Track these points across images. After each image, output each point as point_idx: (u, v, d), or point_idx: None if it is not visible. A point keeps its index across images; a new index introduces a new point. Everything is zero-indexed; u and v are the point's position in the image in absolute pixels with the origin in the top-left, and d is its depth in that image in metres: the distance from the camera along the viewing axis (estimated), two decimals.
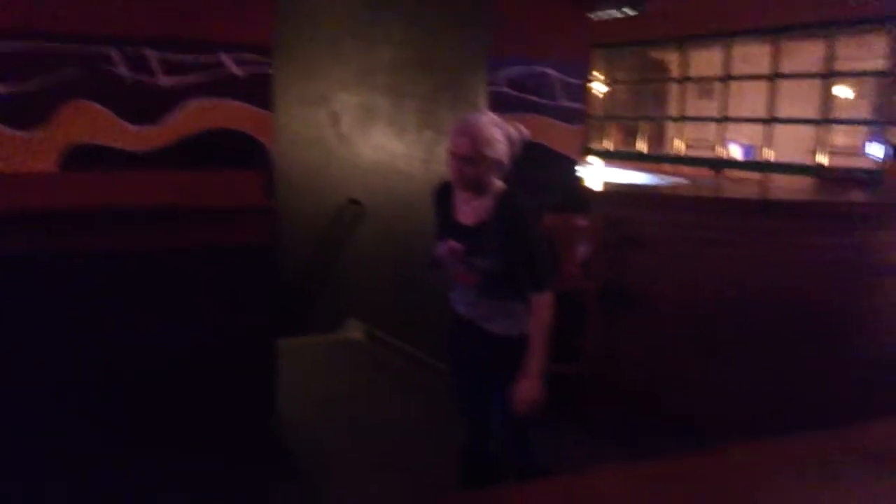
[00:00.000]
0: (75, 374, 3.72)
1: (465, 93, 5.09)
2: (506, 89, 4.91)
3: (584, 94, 5.24)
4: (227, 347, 3.97)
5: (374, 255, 6.01)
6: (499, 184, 2.91)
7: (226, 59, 3.91)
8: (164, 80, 3.77)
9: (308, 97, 6.52)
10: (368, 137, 6.06)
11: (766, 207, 4.86)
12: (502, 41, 4.91)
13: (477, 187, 2.87)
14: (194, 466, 3.72)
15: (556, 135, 4.93)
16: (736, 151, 11.28)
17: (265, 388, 4.12)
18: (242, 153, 3.97)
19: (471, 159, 2.80)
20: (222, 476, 3.76)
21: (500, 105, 4.91)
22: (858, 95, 14.11)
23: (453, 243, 2.88)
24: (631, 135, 11.74)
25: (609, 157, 9.55)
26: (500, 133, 2.85)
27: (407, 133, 5.64)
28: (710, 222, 4.66)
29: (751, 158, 10.32)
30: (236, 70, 3.93)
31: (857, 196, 5.40)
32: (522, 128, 2.95)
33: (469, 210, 2.93)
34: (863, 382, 4.43)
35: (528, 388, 2.84)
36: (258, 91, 3.99)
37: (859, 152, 12.42)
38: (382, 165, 5.89)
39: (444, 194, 3.04)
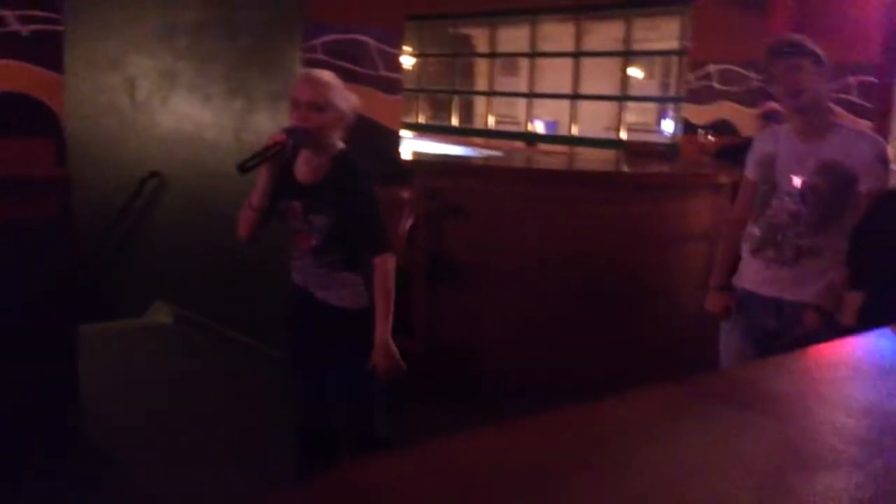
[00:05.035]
0: None
1: (278, 59, 4.84)
2: (322, 56, 4.72)
3: (400, 64, 5.15)
4: (21, 332, 3.57)
5: (181, 233, 5.63)
6: (338, 144, 2.84)
7: (8, 14, 3.49)
8: None
9: (99, 60, 6.00)
10: (169, 105, 5.65)
11: (579, 178, 4.99)
12: (318, 5, 4.71)
13: (319, 141, 2.77)
14: None
15: (377, 105, 4.80)
16: (539, 127, 11.60)
17: (66, 377, 3.76)
18: (30, 119, 3.57)
19: (317, 106, 2.72)
20: (23, 471, 3.39)
21: None
22: (647, 76, 15.02)
23: (291, 203, 2.80)
24: (439, 108, 11.82)
25: (421, 129, 9.54)
26: (342, 88, 2.83)
27: (213, 100, 5.30)
28: (527, 192, 4.72)
29: (552, 133, 10.68)
30: (20, 27, 3.52)
31: (659, 167, 5.66)
32: (353, 96, 2.88)
33: (308, 170, 2.83)
34: (666, 340, 4.68)
35: (382, 355, 2.79)
36: (46, 51, 3.59)
37: (649, 128, 13.23)
38: (187, 135, 5.51)
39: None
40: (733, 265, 3.07)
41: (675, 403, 1.28)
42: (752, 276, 2.96)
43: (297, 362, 3.06)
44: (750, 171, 3.03)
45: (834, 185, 2.76)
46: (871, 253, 2.53)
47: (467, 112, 11.98)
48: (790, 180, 2.82)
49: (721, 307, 3.09)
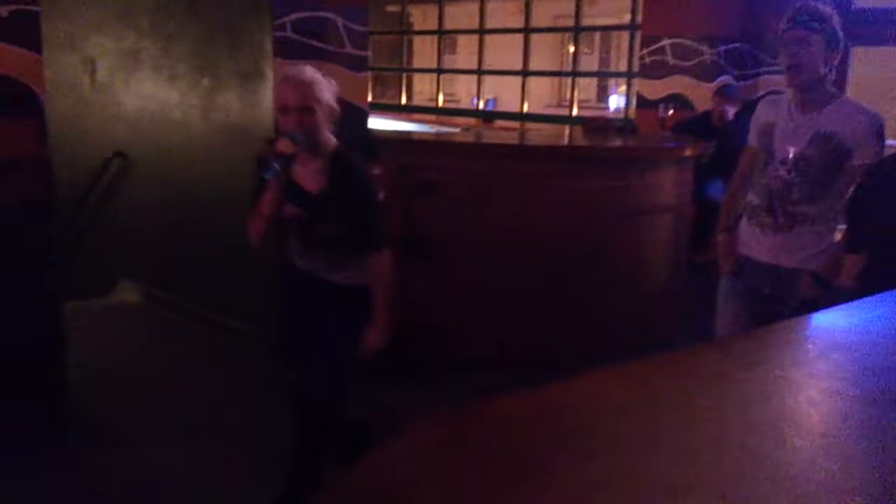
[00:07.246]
0: None
1: (247, 37, 4.85)
2: (291, 34, 4.75)
3: (367, 41, 5.20)
4: (11, 310, 3.59)
5: (147, 212, 5.60)
6: (332, 139, 2.87)
7: None
8: None
9: (54, 39, 5.89)
10: (133, 85, 5.60)
11: (547, 153, 5.13)
12: None
13: (317, 140, 2.79)
14: None
15: (345, 83, 4.81)
16: (480, 104, 11.72)
17: (53, 355, 3.78)
18: (13, 100, 3.55)
19: (308, 108, 2.72)
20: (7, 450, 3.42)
21: (286, 51, 4.75)
22: (587, 51, 15.25)
23: (293, 209, 2.83)
24: (384, 86, 11.87)
25: (378, 108, 9.58)
26: (323, 79, 2.83)
27: (179, 79, 5.29)
28: (495, 167, 4.83)
29: (491, 109, 10.83)
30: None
31: (620, 142, 5.80)
32: (332, 82, 2.90)
33: (307, 172, 2.85)
34: (633, 310, 4.87)
35: (376, 337, 2.90)
36: (23, 30, 3.58)
37: (590, 104, 13.48)
38: (152, 115, 5.48)
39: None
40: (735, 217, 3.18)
41: (715, 365, 1.40)
42: (750, 241, 3.05)
43: (289, 339, 3.12)
44: (752, 138, 3.11)
45: (826, 157, 2.82)
46: (870, 216, 2.63)
47: (408, 90, 12.08)
48: (785, 150, 2.89)
49: (725, 247, 3.15)
